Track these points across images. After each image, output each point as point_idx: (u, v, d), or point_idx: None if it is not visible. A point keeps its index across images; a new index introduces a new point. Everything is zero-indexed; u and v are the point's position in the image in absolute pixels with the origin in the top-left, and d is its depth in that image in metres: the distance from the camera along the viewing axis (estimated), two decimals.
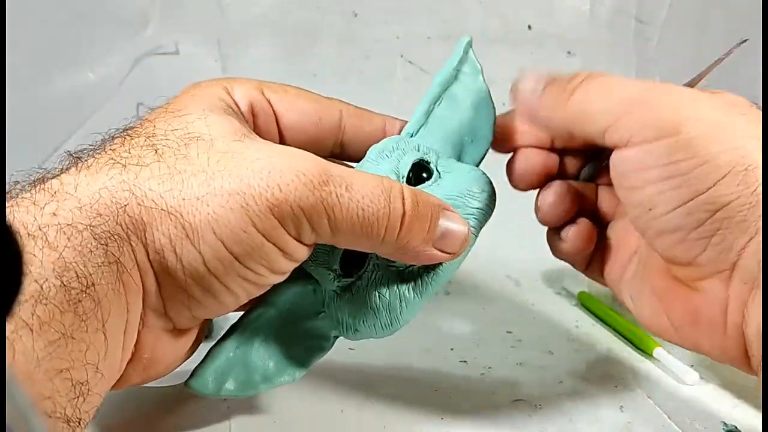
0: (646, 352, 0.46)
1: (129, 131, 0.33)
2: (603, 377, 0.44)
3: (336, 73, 0.71)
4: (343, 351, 0.45)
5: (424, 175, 0.36)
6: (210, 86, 0.35)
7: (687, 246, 0.33)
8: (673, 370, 0.44)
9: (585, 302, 0.51)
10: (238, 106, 0.35)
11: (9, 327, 0.25)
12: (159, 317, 0.32)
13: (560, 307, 0.50)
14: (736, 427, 0.39)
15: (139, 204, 0.30)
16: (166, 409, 0.40)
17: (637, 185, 0.33)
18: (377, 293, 0.35)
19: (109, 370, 0.30)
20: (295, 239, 0.31)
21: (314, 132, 0.37)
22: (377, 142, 0.37)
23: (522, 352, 0.46)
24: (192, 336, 0.35)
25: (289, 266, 0.32)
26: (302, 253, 0.32)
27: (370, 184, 0.32)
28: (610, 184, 0.39)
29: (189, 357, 0.36)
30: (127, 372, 0.32)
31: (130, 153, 0.31)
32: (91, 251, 0.29)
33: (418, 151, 0.36)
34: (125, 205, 0.30)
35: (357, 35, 0.71)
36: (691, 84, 0.36)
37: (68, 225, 0.28)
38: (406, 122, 0.38)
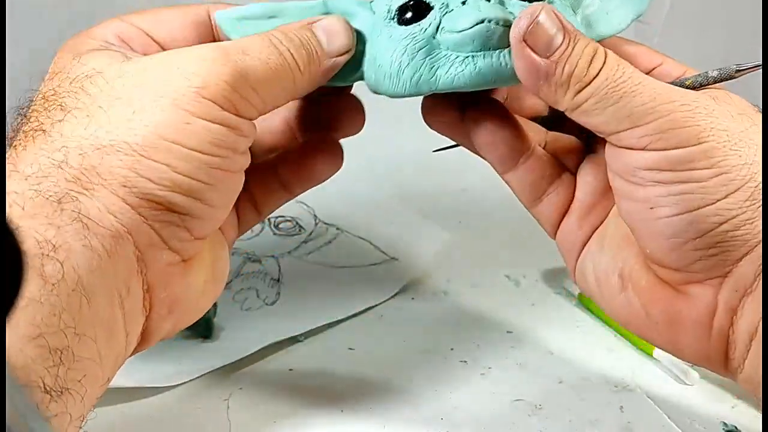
0: (646, 352, 0.45)
1: (23, 110, 0.33)
2: (603, 377, 0.44)
3: None
4: (342, 351, 0.45)
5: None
6: (73, 40, 0.35)
7: (682, 253, 0.33)
8: (673, 370, 0.44)
9: (585, 302, 0.50)
10: (106, 41, 0.35)
11: None
12: (159, 251, 0.32)
13: (560, 307, 0.50)
14: (736, 427, 0.39)
15: (80, 155, 0.30)
16: (166, 410, 0.40)
17: (644, 183, 0.32)
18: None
19: (105, 332, 0.29)
20: (235, 114, 0.32)
21: (192, 35, 0.37)
22: None
23: (522, 352, 0.46)
24: (204, 264, 0.35)
25: (245, 142, 0.33)
26: (248, 127, 0.33)
27: (258, 43, 0.33)
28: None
29: (215, 292, 0.37)
30: (154, 321, 0.32)
31: (39, 121, 0.32)
32: (47, 215, 0.28)
33: None
34: (65, 161, 0.30)
35: None
36: (694, 86, 0.34)
37: (16, 193, 0.28)
38: None
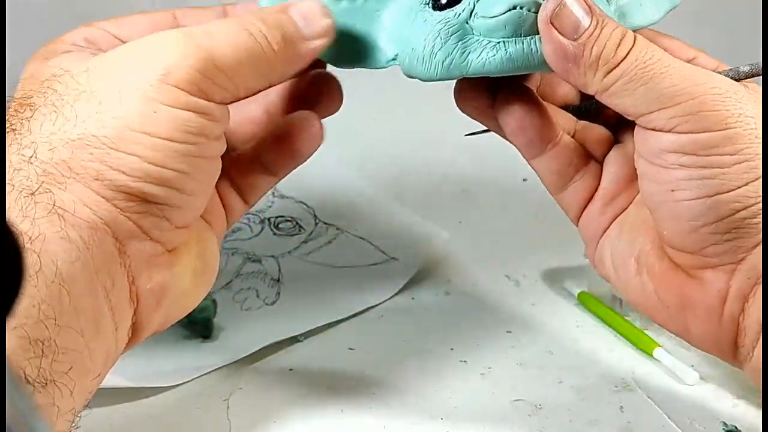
0: (646, 352, 0.45)
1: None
2: (603, 377, 0.44)
3: (336, 73, 0.70)
4: (342, 351, 0.45)
5: None
6: (44, 48, 0.36)
7: (698, 237, 0.33)
8: (673, 370, 0.44)
9: (585, 302, 0.50)
10: (75, 45, 0.35)
11: None
12: (141, 242, 0.32)
13: (560, 307, 0.50)
14: (736, 427, 0.39)
15: (49, 150, 0.30)
16: (166, 410, 0.40)
17: (668, 165, 0.32)
18: None
19: (91, 324, 0.29)
20: (204, 99, 0.31)
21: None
22: None
23: (522, 352, 0.46)
24: (191, 255, 0.34)
25: (218, 127, 0.33)
26: (220, 112, 0.32)
27: (227, 25, 0.33)
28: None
29: (205, 285, 0.36)
30: (143, 314, 0.32)
31: (10, 122, 0.32)
32: (21, 208, 0.28)
33: None
34: (35, 155, 0.30)
35: None
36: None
37: None
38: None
